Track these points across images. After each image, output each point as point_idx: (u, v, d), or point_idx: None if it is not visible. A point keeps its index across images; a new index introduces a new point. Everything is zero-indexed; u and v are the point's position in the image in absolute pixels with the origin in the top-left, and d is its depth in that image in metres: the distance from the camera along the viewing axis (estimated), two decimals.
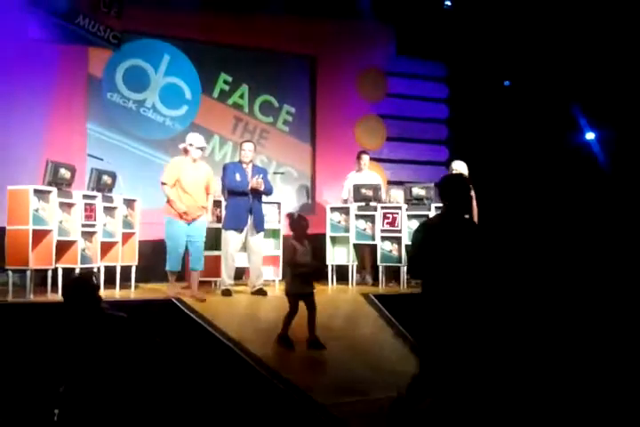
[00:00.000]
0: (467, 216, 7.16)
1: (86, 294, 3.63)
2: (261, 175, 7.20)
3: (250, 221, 7.15)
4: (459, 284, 3.74)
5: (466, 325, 3.76)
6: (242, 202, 7.13)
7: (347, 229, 8.04)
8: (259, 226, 7.22)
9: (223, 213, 7.37)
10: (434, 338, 3.83)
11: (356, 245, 8.06)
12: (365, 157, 8.58)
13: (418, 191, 7.95)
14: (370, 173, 8.63)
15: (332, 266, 8.10)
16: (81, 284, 3.69)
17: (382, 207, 7.94)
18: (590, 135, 9.78)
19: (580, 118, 9.71)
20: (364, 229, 8.00)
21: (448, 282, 3.77)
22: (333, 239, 8.14)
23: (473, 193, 7.84)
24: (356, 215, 8.02)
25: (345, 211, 8.11)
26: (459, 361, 3.78)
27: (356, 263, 8.10)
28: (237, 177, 7.15)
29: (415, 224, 7.81)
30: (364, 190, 8.11)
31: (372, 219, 7.96)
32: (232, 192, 7.19)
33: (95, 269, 6.67)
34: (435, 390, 3.88)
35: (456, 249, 3.76)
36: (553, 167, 9.54)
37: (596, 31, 9.00)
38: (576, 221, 9.21)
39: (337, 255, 8.13)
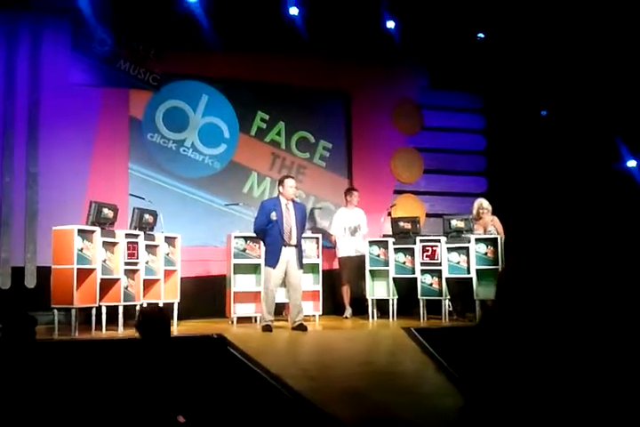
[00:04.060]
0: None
1: (164, 327, 3.66)
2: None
3: (286, 257, 7.02)
4: None
5: None
6: (278, 239, 7.00)
7: (386, 263, 8.01)
8: (297, 263, 7.07)
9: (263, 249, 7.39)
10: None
11: (395, 279, 8.02)
12: (354, 193, 8.70)
13: (456, 223, 7.89)
14: (357, 210, 8.67)
15: (372, 300, 8.05)
16: (161, 316, 3.71)
17: (421, 240, 7.90)
18: (632, 163, 9.64)
19: (621, 146, 9.57)
20: (404, 263, 7.96)
21: None
22: (372, 273, 8.11)
23: (496, 221, 7.92)
24: (395, 249, 8.00)
25: (384, 244, 8.09)
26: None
27: (396, 297, 8.03)
28: (273, 216, 6.98)
29: (455, 257, 7.76)
30: (402, 223, 8.11)
31: (411, 252, 7.92)
32: (268, 230, 7.05)
33: (138, 307, 6.77)
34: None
35: None
36: (594, 196, 9.40)
37: (632, 59, 8.94)
38: (619, 251, 9.01)
39: (377, 289, 8.08)
